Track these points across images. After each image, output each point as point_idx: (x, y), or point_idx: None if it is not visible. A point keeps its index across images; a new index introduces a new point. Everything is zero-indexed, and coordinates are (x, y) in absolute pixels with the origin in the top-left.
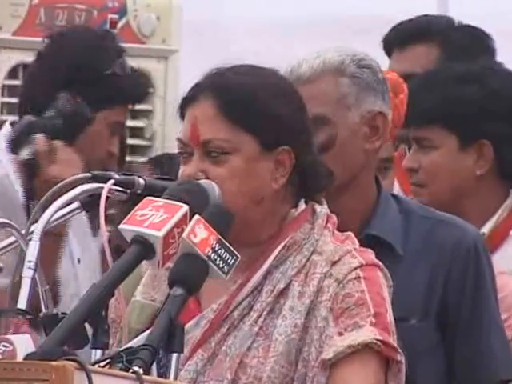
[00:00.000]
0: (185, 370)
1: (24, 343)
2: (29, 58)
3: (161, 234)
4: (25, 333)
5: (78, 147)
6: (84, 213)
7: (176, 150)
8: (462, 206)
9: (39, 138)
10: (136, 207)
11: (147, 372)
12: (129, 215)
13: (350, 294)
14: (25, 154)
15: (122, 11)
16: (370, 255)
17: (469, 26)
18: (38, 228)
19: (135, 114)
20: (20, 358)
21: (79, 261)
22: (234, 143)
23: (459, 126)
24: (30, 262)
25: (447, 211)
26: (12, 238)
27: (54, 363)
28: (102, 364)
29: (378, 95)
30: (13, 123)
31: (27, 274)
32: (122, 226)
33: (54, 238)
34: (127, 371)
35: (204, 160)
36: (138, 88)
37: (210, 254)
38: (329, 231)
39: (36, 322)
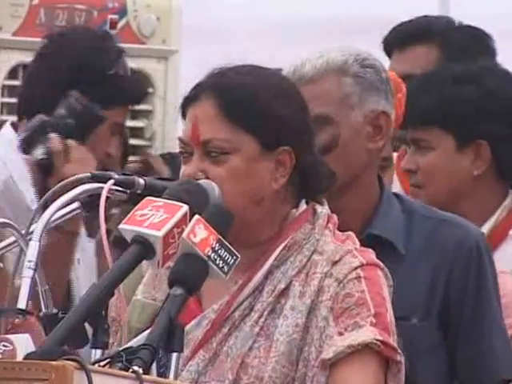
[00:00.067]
0: (186, 370)
1: (24, 343)
2: (29, 58)
3: (161, 233)
4: (32, 329)
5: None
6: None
7: (176, 150)
8: (460, 207)
9: (53, 137)
10: (136, 207)
11: (147, 372)
12: (129, 215)
13: (351, 293)
14: (39, 153)
15: (122, 12)
16: (371, 255)
17: (469, 27)
18: (37, 228)
19: (135, 114)
20: (20, 357)
21: (79, 261)
22: (234, 143)
23: (456, 127)
24: (30, 261)
25: (446, 211)
26: (12, 238)
27: (53, 363)
28: (101, 364)
29: (381, 95)
30: (13, 124)
31: (27, 273)
32: (121, 226)
33: (66, 237)
34: (127, 371)
35: (204, 160)
36: (138, 88)
37: (209, 253)
38: (329, 231)
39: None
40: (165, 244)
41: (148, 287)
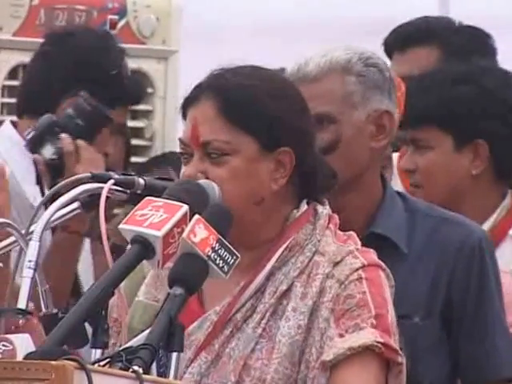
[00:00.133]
0: (188, 372)
1: (24, 343)
2: (29, 58)
3: (160, 233)
4: (34, 330)
5: None
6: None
7: (176, 150)
8: (458, 206)
9: (65, 137)
10: (136, 207)
11: (147, 371)
12: (129, 215)
13: (352, 295)
14: (49, 153)
15: (122, 12)
16: (372, 255)
17: (469, 27)
18: (37, 228)
19: (135, 115)
20: (20, 357)
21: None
22: (233, 144)
23: (454, 127)
24: (30, 261)
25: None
26: (12, 238)
27: (53, 363)
28: (101, 363)
29: (384, 94)
30: (13, 122)
31: (27, 273)
32: (121, 226)
33: (72, 237)
34: (127, 370)
35: (204, 161)
36: (138, 89)
37: (209, 253)
38: (331, 231)
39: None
40: (165, 244)
41: (150, 288)
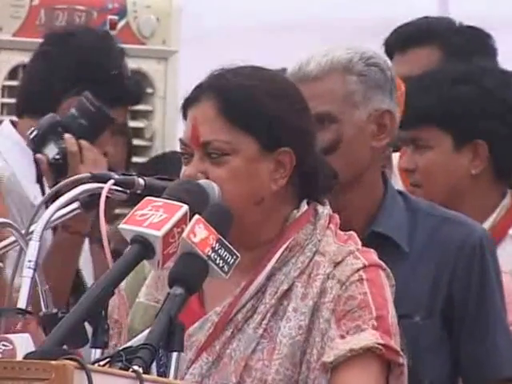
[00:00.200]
0: (190, 373)
1: (24, 342)
2: (29, 58)
3: (160, 233)
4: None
5: None
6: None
7: (177, 150)
8: (458, 206)
9: (69, 137)
10: (136, 207)
11: (147, 371)
12: (128, 215)
13: (353, 296)
14: (52, 153)
15: (122, 12)
16: (373, 255)
17: (470, 27)
18: (37, 228)
19: (135, 115)
20: (20, 357)
21: None
22: (233, 144)
23: (454, 126)
24: (30, 261)
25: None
26: (12, 238)
27: (53, 362)
28: (101, 363)
29: (385, 93)
30: (12, 122)
31: (27, 273)
32: (121, 226)
33: (73, 237)
34: (127, 370)
35: (204, 161)
36: (138, 89)
37: (209, 253)
38: (331, 231)
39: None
40: (165, 244)
41: (150, 289)
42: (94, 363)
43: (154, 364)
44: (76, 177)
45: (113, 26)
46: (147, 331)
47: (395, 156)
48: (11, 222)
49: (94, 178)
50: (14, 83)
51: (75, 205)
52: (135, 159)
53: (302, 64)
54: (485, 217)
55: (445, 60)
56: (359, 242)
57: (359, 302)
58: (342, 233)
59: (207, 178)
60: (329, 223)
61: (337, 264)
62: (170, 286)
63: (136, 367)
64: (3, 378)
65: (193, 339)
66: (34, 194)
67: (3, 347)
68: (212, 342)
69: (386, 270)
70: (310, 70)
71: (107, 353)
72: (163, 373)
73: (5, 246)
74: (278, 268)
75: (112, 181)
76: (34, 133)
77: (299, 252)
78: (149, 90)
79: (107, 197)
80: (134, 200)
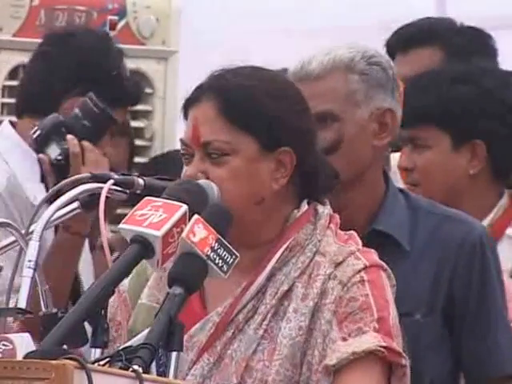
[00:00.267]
0: (191, 374)
1: (24, 342)
2: (29, 59)
3: (160, 233)
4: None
5: None
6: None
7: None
8: (456, 205)
9: (71, 138)
10: (135, 207)
11: (147, 371)
12: (128, 215)
13: (355, 297)
14: (55, 153)
15: (122, 13)
16: (373, 255)
17: (470, 28)
18: (37, 228)
19: (135, 115)
20: (20, 356)
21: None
22: (233, 144)
23: (453, 126)
24: (30, 261)
25: None
26: (12, 238)
27: (53, 362)
28: (101, 363)
29: (387, 92)
30: (11, 122)
31: (27, 273)
32: (121, 226)
33: (74, 237)
34: (127, 370)
35: (205, 161)
36: (138, 90)
37: (209, 253)
38: (331, 231)
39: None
40: (164, 243)
41: (153, 291)
42: (93, 363)
43: (154, 364)
44: (76, 177)
45: (113, 26)
46: (147, 331)
47: (394, 157)
48: (11, 222)
49: (94, 178)
50: (14, 83)
51: (75, 205)
52: (135, 159)
53: (304, 63)
54: (482, 217)
55: (446, 60)
56: (360, 242)
57: (361, 303)
58: (342, 232)
59: (207, 177)
60: (329, 223)
61: (337, 264)
62: (170, 286)
63: (136, 367)
64: (3, 378)
65: (194, 340)
66: (34, 195)
67: (3, 347)
68: (213, 343)
69: (386, 271)
70: (312, 69)
71: (107, 352)
72: (163, 372)
73: (5, 246)
74: (278, 268)
75: (111, 181)
76: (37, 133)
77: (299, 252)
78: (148, 91)
79: (107, 197)
80: (133, 200)
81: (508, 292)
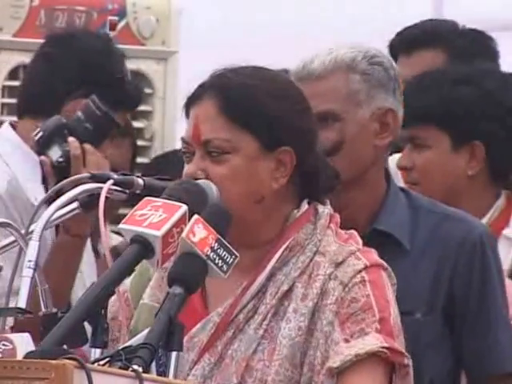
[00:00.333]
0: (192, 374)
1: (24, 342)
2: (29, 59)
3: (160, 233)
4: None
5: None
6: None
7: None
8: (453, 205)
9: (73, 141)
10: (135, 207)
11: (146, 370)
12: (128, 215)
13: (356, 298)
14: (56, 155)
15: (122, 13)
16: (374, 255)
17: (472, 30)
18: (37, 228)
19: (135, 115)
20: (20, 356)
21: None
22: (234, 143)
23: (453, 127)
24: (29, 261)
25: None
26: (12, 238)
27: (53, 362)
28: (101, 362)
29: (389, 92)
30: (11, 124)
31: (27, 273)
32: (121, 226)
33: (74, 239)
34: (127, 370)
35: (205, 159)
36: (138, 93)
37: (209, 253)
38: (332, 231)
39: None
40: (164, 243)
41: (155, 291)
42: (93, 362)
43: (154, 363)
44: (76, 177)
45: (113, 26)
46: (146, 331)
47: (392, 159)
48: (11, 222)
49: (94, 178)
50: (14, 83)
51: (74, 205)
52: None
53: (306, 62)
54: (479, 217)
55: (449, 62)
56: (360, 241)
57: (362, 304)
58: (342, 232)
59: (207, 176)
60: (329, 223)
61: (338, 264)
62: (170, 286)
63: (136, 367)
64: (3, 378)
65: (195, 340)
66: (35, 196)
67: (3, 347)
68: (214, 343)
69: (387, 270)
70: (314, 69)
71: (107, 352)
72: (163, 372)
73: (5, 246)
74: (278, 268)
75: (111, 181)
76: (39, 134)
77: (299, 252)
78: (148, 91)
79: (107, 197)
80: (133, 200)
81: (507, 292)
